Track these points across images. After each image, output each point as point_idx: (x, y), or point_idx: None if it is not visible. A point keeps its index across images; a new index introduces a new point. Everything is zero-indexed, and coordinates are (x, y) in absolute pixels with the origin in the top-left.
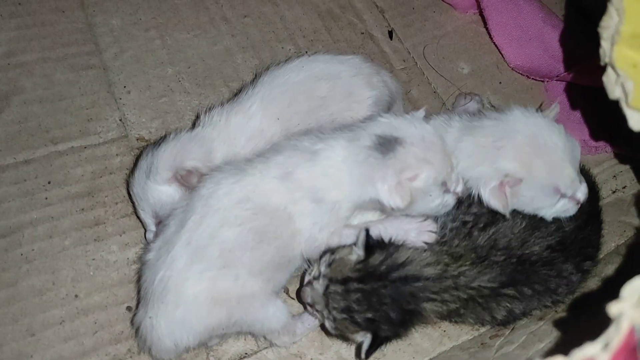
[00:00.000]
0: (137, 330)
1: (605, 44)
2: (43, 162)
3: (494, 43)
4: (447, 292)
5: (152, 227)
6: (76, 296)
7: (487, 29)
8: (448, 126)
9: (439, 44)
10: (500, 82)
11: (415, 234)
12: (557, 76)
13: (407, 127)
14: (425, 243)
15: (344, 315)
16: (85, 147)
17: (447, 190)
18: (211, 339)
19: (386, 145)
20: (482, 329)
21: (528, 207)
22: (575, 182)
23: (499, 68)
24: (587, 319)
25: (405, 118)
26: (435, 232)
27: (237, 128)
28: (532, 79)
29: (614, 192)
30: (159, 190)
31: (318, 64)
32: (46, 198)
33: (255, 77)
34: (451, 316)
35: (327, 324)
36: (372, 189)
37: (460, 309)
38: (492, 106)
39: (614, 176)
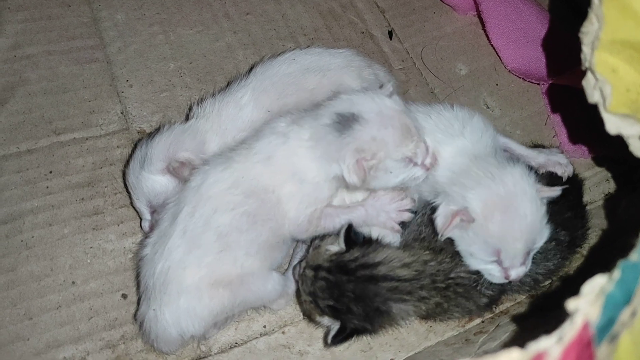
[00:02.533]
0: (140, 325)
1: (586, 49)
2: (45, 152)
3: (492, 45)
4: (423, 289)
5: (147, 215)
6: (73, 283)
7: (485, 30)
8: (462, 131)
9: (438, 45)
10: (497, 84)
11: (395, 214)
12: (554, 79)
13: (365, 102)
14: (405, 241)
15: (310, 298)
16: (86, 139)
17: (415, 164)
18: (214, 325)
19: (344, 123)
20: (468, 325)
21: (463, 246)
22: (517, 260)
23: (496, 70)
24: (548, 316)
25: (367, 93)
26: (412, 212)
27: (229, 119)
28: (529, 81)
29: (606, 195)
30: (153, 180)
31: (309, 56)
32: (47, 187)
33: (250, 70)
34: (436, 313)
35: (300, 301)
36: (336, 166)
37: (443, 303)
38: (488, 107)
39: (607, 180)
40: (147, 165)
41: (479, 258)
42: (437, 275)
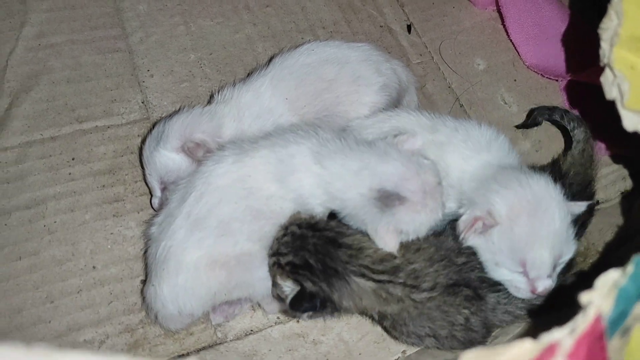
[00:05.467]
0: (143, 300)
1: (604, 45)
2: (68, 139)
3: (511, 40)
4: (385, 273)
5: (157, 192)
6: (94, 267)
7: (504, 26)
8: (488, 148)
9: (457, 40)
10: (515, 80)
11: None
12: (572, 76)
13: (411, 181)
14: None
15: (273, 259)
16: (108, 127)
17: None
18: (214, 306)
19: (386, 200)
20: None
21: (488, 255)
22: (544, 270)
23: (514, 66)
24: (561, 311)
25: (412, 165)
26: None
27: (247, 105)
28: (547, 77)
29: (622, 193)
30: (166, 157)
31: (328, 48)
32: (70, 174)
33: (269, 61)
34: (400, 321)
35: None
36: (362, 224)
37: (409, 306)
38: (505, 103)
39: (623, 178)
40: (163, 142)
41: (506, 267)
42: (406, 266)
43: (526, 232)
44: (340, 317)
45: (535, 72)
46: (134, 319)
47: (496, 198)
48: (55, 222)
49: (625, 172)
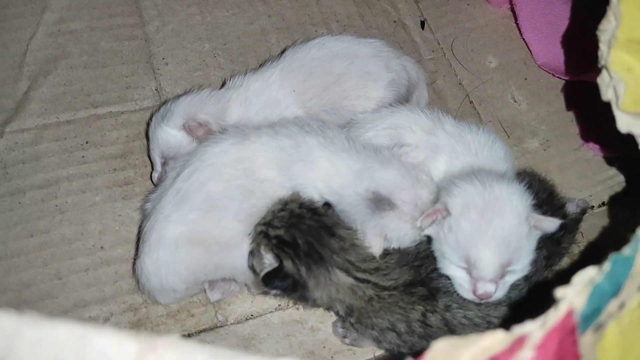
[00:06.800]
0: (134, 273)
1: (603, 47)
2: (83, 123)
3: (523, 39)
4: (365, 272)
5: (158, 167)
6: (101, 247)
7: (517, 24)
8: (477, 153)
9: (470, 37)
10: (525, 78)
11: None
12: (582, 75)
13: (404, 191)
14: None
15: (262, 228)
16: (122, 113)
17: None
18: (197, 283)
19: (378, 203)
20: None
21: (437, 244)
22: (486, 272)
23: (526, 64)
24: (541, 305)
25: (409, 175)
26: None
27: (255, 93)
28: (558, 77)
29: (611, 196)
30: (168, 133)
31: (339, 42)
32: (83, 156)
33: (281, 53)
34: (366, 313)
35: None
36: (353, 222)
37: (375, 302)
38: (515, 101)
39: (619, 182)
40: (167, 119)
41: (452, 262)
42: (381, 271)
43: (472, 228)
44: (307, 308)
45: (547, 71)
46: (137, 299)
47: (455, 191)
48: (66, 202)
49: (620, 174)
